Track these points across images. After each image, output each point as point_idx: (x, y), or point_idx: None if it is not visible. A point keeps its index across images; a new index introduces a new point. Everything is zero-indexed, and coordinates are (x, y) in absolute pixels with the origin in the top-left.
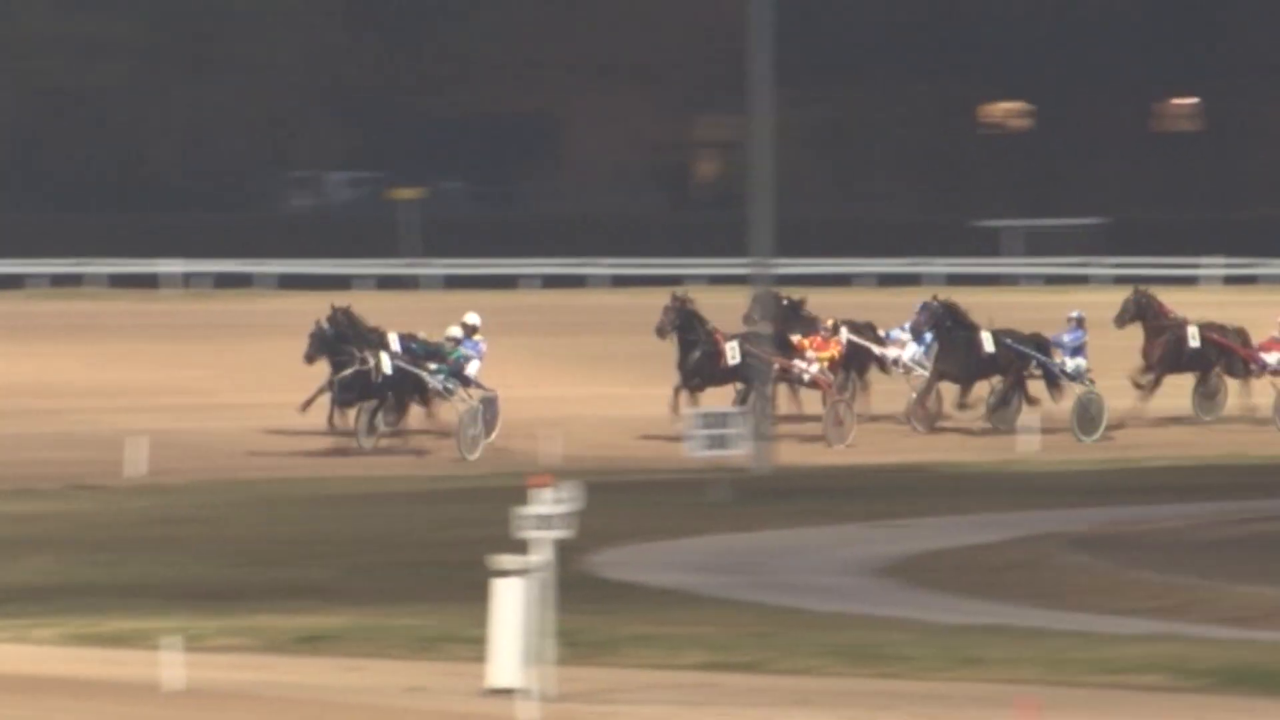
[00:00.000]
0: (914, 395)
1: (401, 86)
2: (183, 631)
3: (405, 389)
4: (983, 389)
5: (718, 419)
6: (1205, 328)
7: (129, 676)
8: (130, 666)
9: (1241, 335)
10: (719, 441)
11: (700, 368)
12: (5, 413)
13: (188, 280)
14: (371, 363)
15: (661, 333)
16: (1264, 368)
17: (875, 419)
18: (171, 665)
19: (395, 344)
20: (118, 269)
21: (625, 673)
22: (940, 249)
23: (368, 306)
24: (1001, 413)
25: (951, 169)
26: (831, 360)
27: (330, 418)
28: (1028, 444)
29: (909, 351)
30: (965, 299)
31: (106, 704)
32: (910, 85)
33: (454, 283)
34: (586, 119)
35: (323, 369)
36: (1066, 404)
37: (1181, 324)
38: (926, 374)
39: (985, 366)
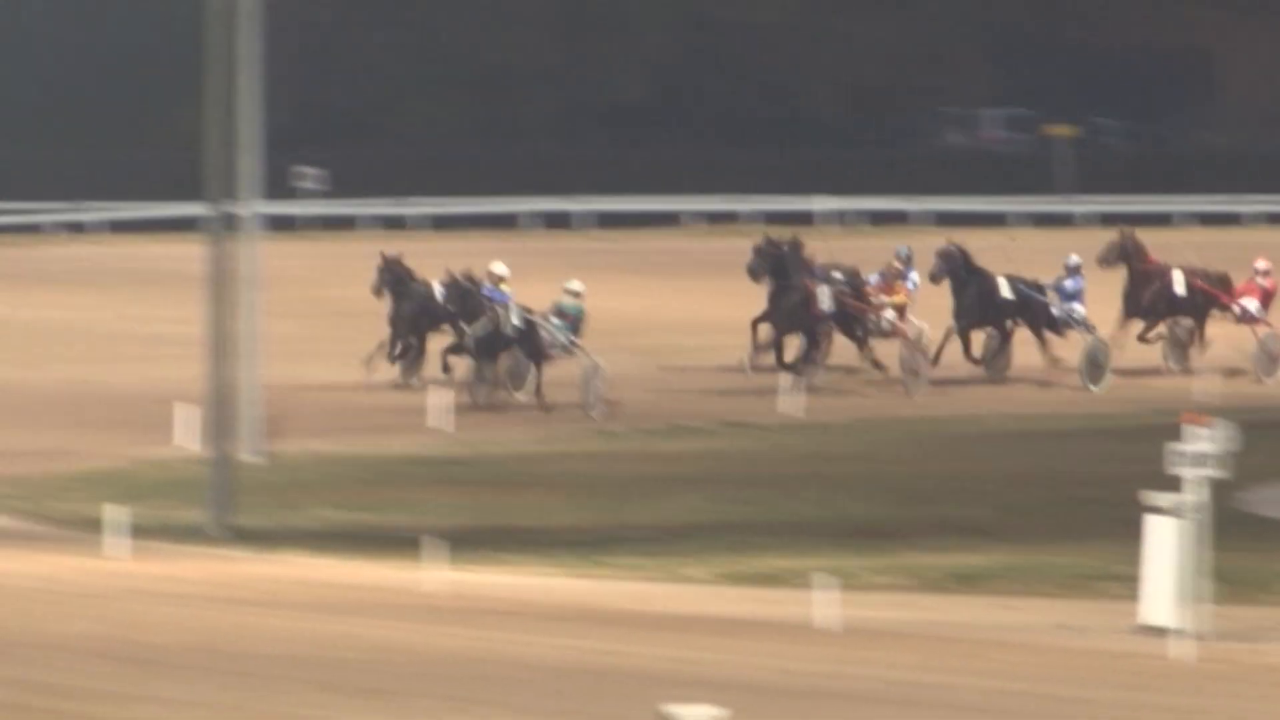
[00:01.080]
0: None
1: (1055, 22)
2: (835, 570)
3: (528, 342)
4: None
5: None
6: (1190, 273)
7: (781, 615)
8: (782, 605)
9: (1224, 281)
10: None
11: (794, 312)
12: (657, 349)
13: (842, 217)
14: (500, 314)
15: (754, 275)
16: (1245, 314)
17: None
18: (825, 604)
19: (439, 292)
20: (772, 206)
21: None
22: None
23: (1026, 243)
24: (997, 362)
25: None
26: (900, 307)
27: (448, 371)
28: None
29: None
30: None
31: (759, 642)
32: None
33: (1108, 220)
34: (1240, 54)
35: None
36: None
37: (1166, 269)
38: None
39: (1001, 313)
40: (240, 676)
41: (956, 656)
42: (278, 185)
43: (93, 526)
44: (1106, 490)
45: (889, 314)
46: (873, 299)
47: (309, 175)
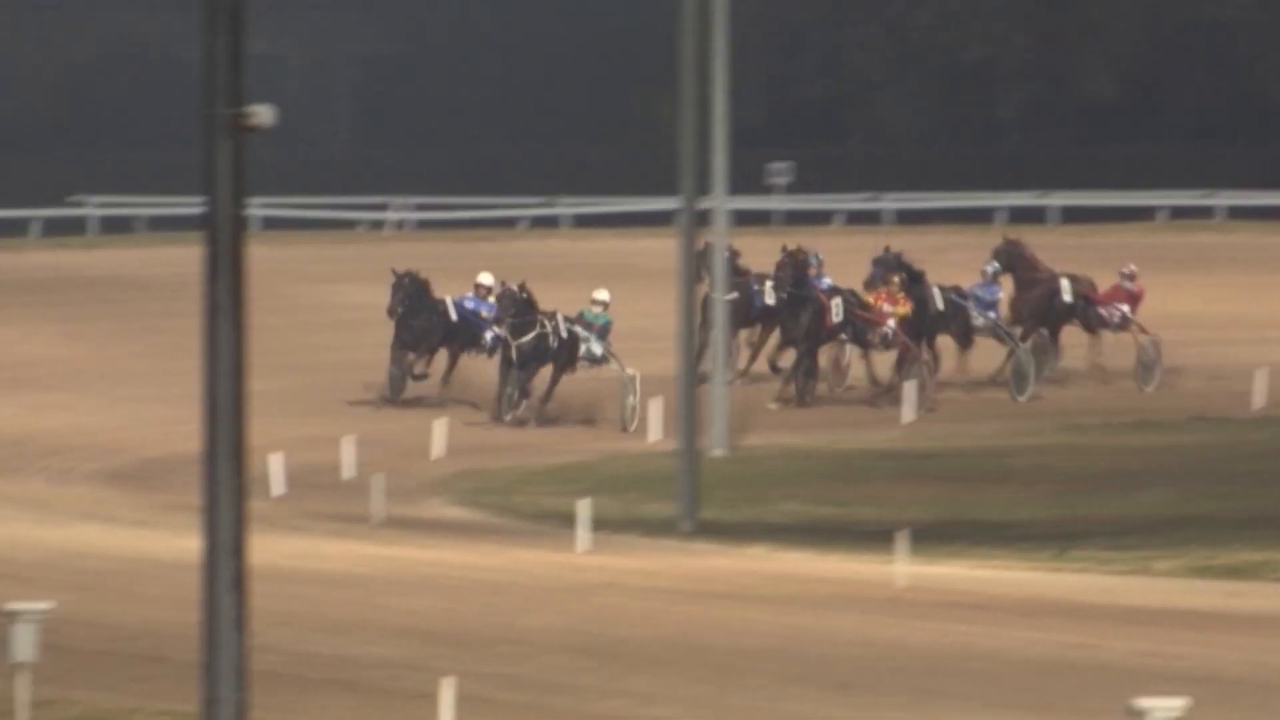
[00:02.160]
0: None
1: None
2: None
3: (565, 354)
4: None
5: None
6: (1075, 281)
7: (1250, 608)
8: (1251, 598)
9: (1092, 285)
10: None
11: (810, 326)
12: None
13: None
14: (549, 327)
15: (780, 288)
16: (1124, 320)
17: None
18: None
19: (452, 309)
20: (1239, 201)
21: None
22: None
23: None
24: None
25: None
26: (903, 319)
27: (505, 389)
28: None
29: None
30: None
31: (1228, 635)
32: None
33: None
34: None
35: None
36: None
37: (1054, 277)
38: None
39: (936, 322)
40: (710, 670)
41: None
42: (747, 181)
43: (561, 520)
44: None
45: (891, 324)
46: (884, 308)
47: (783, 172)
